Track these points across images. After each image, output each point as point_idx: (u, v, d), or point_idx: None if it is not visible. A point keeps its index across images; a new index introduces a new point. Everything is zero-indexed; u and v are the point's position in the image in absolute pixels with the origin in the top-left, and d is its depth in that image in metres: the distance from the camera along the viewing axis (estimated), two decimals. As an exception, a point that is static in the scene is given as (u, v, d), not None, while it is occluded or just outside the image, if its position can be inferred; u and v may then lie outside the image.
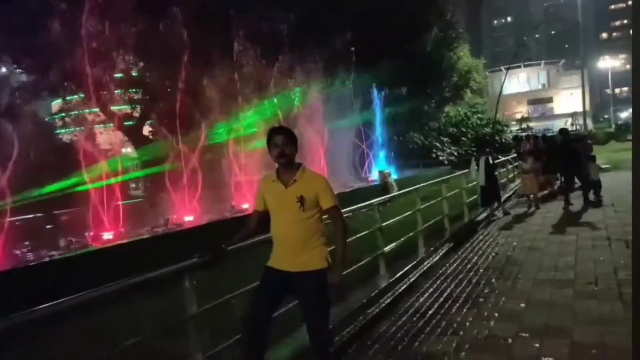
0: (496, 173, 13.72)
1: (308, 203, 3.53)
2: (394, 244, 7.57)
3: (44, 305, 2.88)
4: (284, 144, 3.56)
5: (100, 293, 3.22)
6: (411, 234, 8.33)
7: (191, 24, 19.45)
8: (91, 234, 12.05)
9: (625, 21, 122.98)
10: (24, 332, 3.07)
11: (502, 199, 13.98)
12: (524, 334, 4.93)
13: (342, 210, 6.35)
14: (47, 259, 9.44)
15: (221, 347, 3.96)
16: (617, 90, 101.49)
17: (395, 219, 8.09)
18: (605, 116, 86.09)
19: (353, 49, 23.60)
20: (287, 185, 3.56)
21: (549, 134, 20.19)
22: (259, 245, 4.37)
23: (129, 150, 32.27)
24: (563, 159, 13.03)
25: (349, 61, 23.71)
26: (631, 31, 1.85)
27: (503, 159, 19.50)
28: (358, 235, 6.75)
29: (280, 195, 3.58)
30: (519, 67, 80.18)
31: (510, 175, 19.55)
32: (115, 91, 25.24)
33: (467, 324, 5.37)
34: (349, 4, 24.77)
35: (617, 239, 8.66)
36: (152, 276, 3.55)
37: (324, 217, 3.68)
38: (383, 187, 16.57)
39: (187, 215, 14.63)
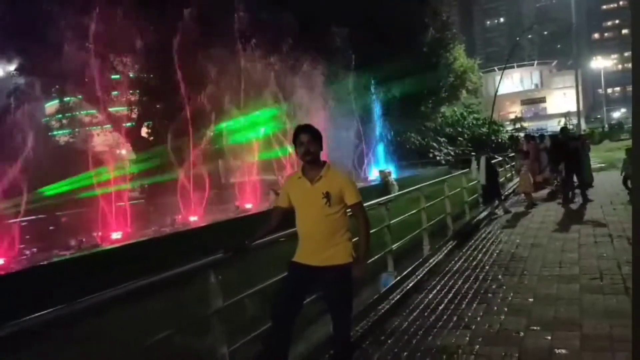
0: (498, 170, 13.91)
1: (333, 199, 3.64)
2: (401, 241, 7.67)
3: (79, 300, 2.95)
4: (309, 142, 3.68)
5: (128, 289, 3.28)
6: (416, 232, 8.45)
7: (191, 25, 19.51)
8: (100, 234, 12.10)
9: (617, 21, 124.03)
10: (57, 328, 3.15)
11: (502, 197, 14.12)
12: (534, 327, 5.04)
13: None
14: (65, 256, 9.49)
15: (243, 341, 4.04)
16: (609, 90, 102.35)
17: (401, 217, 8.21)
18: (598, 116, 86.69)
19: (352, 53, 23.73)
20: (313, 182, 3.68)
21: (547, 133, 20.42)
22: (278, 242, 4.49)
23: (124, 152, 32.26)
24: (564, 157, 13.24)
25: (348, 62, 23.84)
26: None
27: (500, 158, 19.69)
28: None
29: (307, 191, 3.69)
30: (513, 67, 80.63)
31: (508, 175, 19.74)
32: (113, 92, 25.23)
33: (478, 318, 5.48)
34: (347, 7, 24.91)
35: (618, 236, 8.82)
36: (180, 271, 3.65)
37: (348, 212, 3.79)
38: (384, 186, 16.69)
39: (192, 215, 14.70)
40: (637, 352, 1.63)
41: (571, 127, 41.13)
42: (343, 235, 3.72)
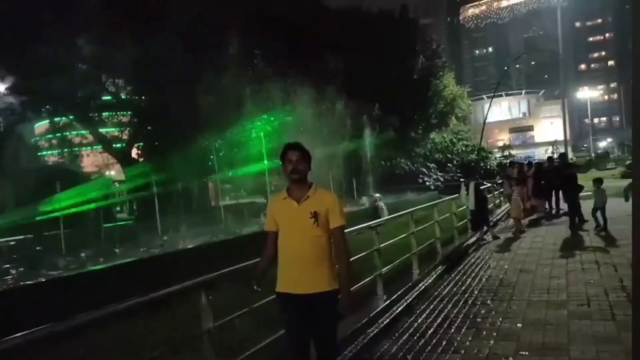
0: (486, 196, 14.01)
1: (321, 220, 3.49)
2: (391, 265, 7.68)
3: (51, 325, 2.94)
4: (297, 160, 3.56)
5: (117, 309, 3.26)
6: (406, 256, 8.47)
7: (181, 47, 19.65)
8: (86, 254, 11.99)
9: (603, 53, 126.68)
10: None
11: (491, 223, 14.22)
12: (523, 352, 5.06)
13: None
14: (53, 276, 9.39)
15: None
16: (595, 120, 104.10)
17: (391, 241, 8.23)
18: (585, 145, 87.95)
19: (343, 77, 24.02)
20: (300, 202, 3.53)
21: (534, 161, 20.71)
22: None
23: (113, 173, 32.15)
24: (561, 182, 13.33)
25: (339, 88, 24.10)
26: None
27: (488, 184, 19.86)
28: (356, 257, 6.86)
29: (293, 212, 3.53)
30: (501, 95, 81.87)
31: (497, 201, 19.88)
32: (104, 113, 25.25)
33: (467, 343, 5.48)
34: (339, 32, 25.30)
35: (605, 262, 8.91)
36: (171, 291, 3.64)
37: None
38: (373, 211, 16.73)
39: (180, 237, 14.63)
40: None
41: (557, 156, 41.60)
42: (329, 259, 3.55)
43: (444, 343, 5.52)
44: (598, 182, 12.91)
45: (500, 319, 6.22)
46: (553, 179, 14.17)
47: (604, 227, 12.34)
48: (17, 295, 7.16)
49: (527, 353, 5.03)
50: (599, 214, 12.43)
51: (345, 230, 6.62)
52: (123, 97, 24.74)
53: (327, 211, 3.53)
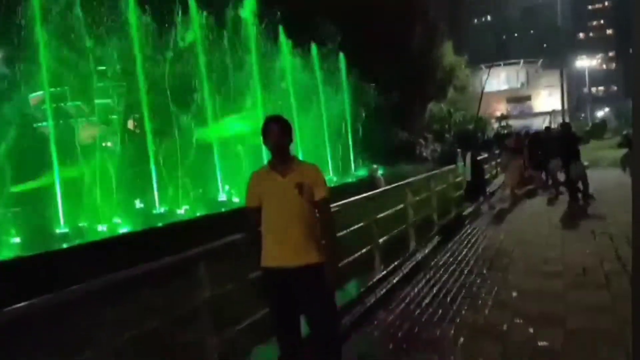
0: (484, 167, 13.99)
1: (306, 192, 3.44)
2: (388, 236, 7.72)
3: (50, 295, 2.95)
4: (279, 133, 3.49)
5: (115, 280, 3.28)
6: (403, 227, 8.51)
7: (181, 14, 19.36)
8: (85, 225, 12.03)
9: (602, 21, 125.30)
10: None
11: (488, 193, 14.25)
12: (518, 321, 5.13)
13: (340, 202, 6.55)
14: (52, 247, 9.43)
15: (232, 332, 4.06)
16: (593, 90, 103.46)
17: (388, 212, 8.26)
18: (582, 115, 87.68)
19: (340, 52, 23.76)
20: (285, 174, 3.47)
21: (531, 131, 20.66)
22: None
23: (109, 144, 31.98)
24: (565, 152, 13.09)
25: (335, 59, 23.85)
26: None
27: (485, 155, 19.88)
28: (353, 228, 6.91)
29: (278, 185, 3.46)
30: (500, 65, 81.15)
31: (494, 172, 19.93)
32: (99, 84, 24.98)
33: (463, 312, 5.55)
34: (337, 3, 24.91)
35: (601, 232, 8.97)
36: (170, 262, 3.65)
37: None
38: (371, 182, 16.75)
39: (179, 208, 14.65)
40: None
41: (555, 126, 41.48)
42: (315, 232, 3.50)
43: (440, 312, 5.59)
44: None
45: (496, 289, 6.29)
46: (551, 150, 13.93)
47: (585, 193, 12.41)
48: (15, 267, 7.20)
49: (522, 322, 5.10)
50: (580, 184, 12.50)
51: (343, 201, 6.72)
52: (119, 66, 24.44)
53: (311, 183, 3.48)
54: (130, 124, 26.06)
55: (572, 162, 12.83)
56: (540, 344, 4.52)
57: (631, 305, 1.64)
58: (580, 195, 12.80)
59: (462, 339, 4.78)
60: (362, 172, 21.15)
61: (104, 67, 24.08)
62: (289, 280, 3.44)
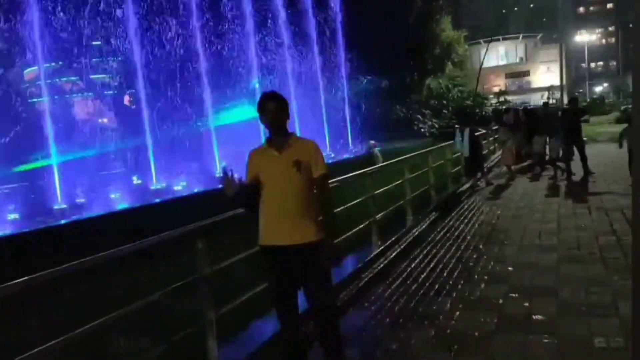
0: (481, 143, 13.97)
1: (304, 168, 3.41)
2: (385, 211, 7.76)
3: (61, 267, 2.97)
4: (276, 110, 3.45)
5: (114, 255, 3.29)
6: (400, 202, 8.54)
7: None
8: (82, 202, 12.04)
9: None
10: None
11: (485, 169, 14.26)
12: (513, 295, 5.19)
13: (339, 178, 6.56)
14: (50, 223, 9.46)
15: (230, 306, 4.10)
16: (592, 65, 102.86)
17: (386, 188, 8.29)
18: (580, 90, 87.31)
19: (340, 20, 23.50)
20: (281, 151, 3.44)
21: (530, 107, 20.61)
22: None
23: (105, 120, 31.80)
24: (566, 129, 13.07)
25: (333, 33, 23.60)
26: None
27: (483, 131, 19.82)
28: (351, 204, 6.94)
29: (275, 162, 3.43)
30: (498, 40, 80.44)
31: (491, 147, 19.91)
32: (94, 59, 24.75)
33: (459, 286, 5.61)
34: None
35: (597, 208, 9.03)
36: (168, 237, 3.67)
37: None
38: (369, 157, 16.75)
39: (176, 185, 14.66)
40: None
41: (553, 101, 41.41)
42: (314, 210, 3.48)
43: (436, 287, 5.65)
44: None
45: (492, 263, 6.35)
46: (549, 125, 13.90)
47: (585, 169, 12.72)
48: (12, 243, 7.23)
49: (517, 295, 5.16)
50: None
51: (341, 177, 6.73)
52: (113, 41, 24.19)
53: (309, 160, 3.45)
54: (126, 100, 25.91)
55: (571, 139, 12.87)
56: (535, 316, 4.59)
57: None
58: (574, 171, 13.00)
59: (458, 313, 4.84)
60: (360, 148, 21.12)
61: (99, 42, 23.84)
62: (287, 258, 3.44)
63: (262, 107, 3.48)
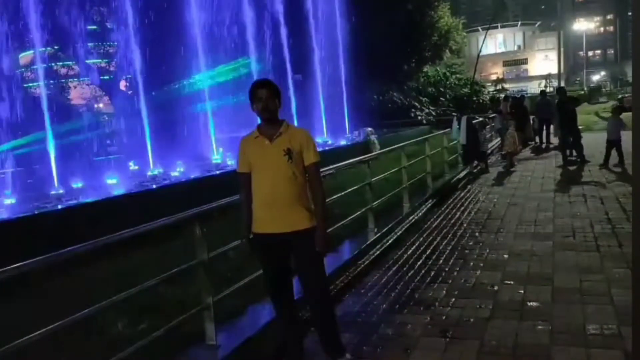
0: (479, 132, 13.97)
1: (295, 157, 3.42)
2: (382, 199, 7.79)
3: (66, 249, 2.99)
4: (268, 98, 3.43)
5: (111, 241, 3.30)
6: (397, 190, 8.57)
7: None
8: (78, 187, 12.02)
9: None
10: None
11: (481, 157, 14.28)
12: (508, 282, 5.24)
13: (334, 165, 6.57)
14: (47, 208, 9.45)
15: (227, 291, 4.13)
16: (589, 53, 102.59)
17: (382, 175, 8.31)
18: (578, 79, 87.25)
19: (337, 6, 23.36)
20: (273, 139, 3.43)
21: (526, 95, 20.67)
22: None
23: (101, 105, 31.66)
24: (562, 117, 13.23)
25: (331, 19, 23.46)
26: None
27: (480, 119, 19.82)
28: (348, 191, 6.97)
29: (266, 150, 3.43)
30: (497, 27, 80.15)
31: (488, 135, 19.91)
32: (90, 44, 24.58)
33: (455, 273, 5.65)
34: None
35: (592, 196, 9.08)
36: (165, 223, 3.68)
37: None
38: (365, 144, 16.75)
39: (172, 170, 14.62)
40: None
41: (551, 89, 41.35)
42: (305, 197, 3.51)
43: (432, 274, 5.69)
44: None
45: (488, 250, 6.39)
46: (545, 113, 14.05)
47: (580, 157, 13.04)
48: (9, 228, 7.23)
49: (512, 282, 5.21)
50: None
51: (338, 165, 6.75)
52: (109, 26, 24.01)
53: (300, 148, 3.46)
54: (122, 85, 25.76)
55: (567, 127, 12.96)
56: (530, 303, 4.64)
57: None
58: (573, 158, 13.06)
59: (453, 299, 4.88)
60: (356, 135, 21.09)
61: (95, 27, 23.66)
62: (279, 245, 3.48)
63: (253, 95, 3.48)
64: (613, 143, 11.84)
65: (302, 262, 3.57)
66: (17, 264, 2.65)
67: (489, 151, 16.94)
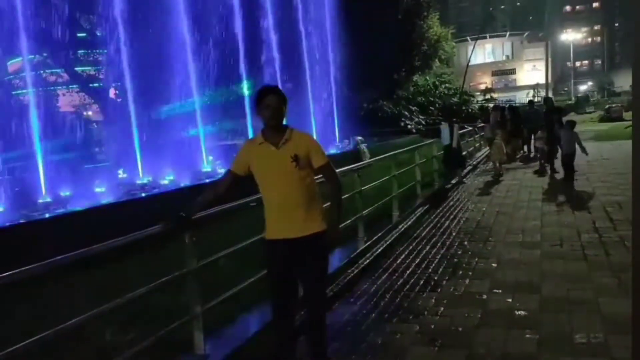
0: (462, 142, 14.00)
1: (302, 162, 3.41)
2: (372, 207, 7.81)
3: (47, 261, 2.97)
4: (277, 104, 3.41)
5: (98, 250, 3.29)
6: (387, 198, 8.60)
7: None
8: (67, 195, 11.93)
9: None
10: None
11: (469, 166, 14.35)
12: (497, 290, 5.27)
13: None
14: (34, 217, 9.38)
15: (217, 300, 4.12)
16: (577, 64, 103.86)
17: (373, 184, 8.35)
18: (565, 89, 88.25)
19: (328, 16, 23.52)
20: (279, 145, 3.42)
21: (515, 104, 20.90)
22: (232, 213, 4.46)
23: (90, 113, 31.51)
24: (548, 128, 13.41)
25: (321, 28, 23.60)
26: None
27: (469, 128, 19.99)
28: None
29: (272, 156, 3.42)
30: (485, 37, 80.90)
31: (477, 145, 20.08)
32: (79, 51, 24.53)
33: (444, 282, 5.67)
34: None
35: (579, 205, 9.17)
36: (154, 232, 3.66)
37: (316, 177, 3.61)
38: (356, 153, 16.78)
39: (162, 179, 14.57)
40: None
41: (538, 99, 41.77)
42: (317, 200, 3.54)
43: (421, 282, 5.71)
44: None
45: (476, 259, 6.42)
46: (533, 123, 14.24)
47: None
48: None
49: (500, 291, 5.24)
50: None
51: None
52: (98, 34, 23.95)
53: (307, 152, 3.46)
54: (112, 93, 25.67)
55: (553, 137, 13.11)
56: (518, 312, 4.66)
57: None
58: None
59: (442, 308, 4.90)
60: (347, 144, 21.17)
61: (84, 34, 23.56)
62: (292, 250, 3.48)
63: (261, 101, 3.44)
64: (569, 157, 11.80)
65: (308, 261, 3.53)
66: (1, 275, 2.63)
67: (477, 160, 17.06)
